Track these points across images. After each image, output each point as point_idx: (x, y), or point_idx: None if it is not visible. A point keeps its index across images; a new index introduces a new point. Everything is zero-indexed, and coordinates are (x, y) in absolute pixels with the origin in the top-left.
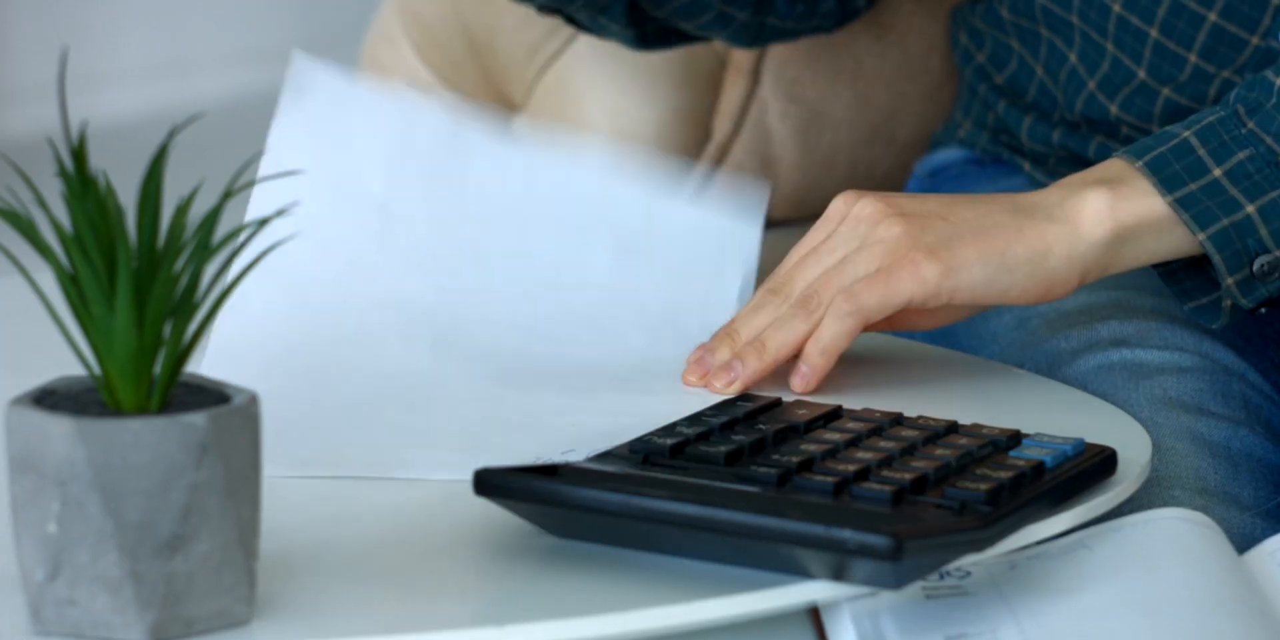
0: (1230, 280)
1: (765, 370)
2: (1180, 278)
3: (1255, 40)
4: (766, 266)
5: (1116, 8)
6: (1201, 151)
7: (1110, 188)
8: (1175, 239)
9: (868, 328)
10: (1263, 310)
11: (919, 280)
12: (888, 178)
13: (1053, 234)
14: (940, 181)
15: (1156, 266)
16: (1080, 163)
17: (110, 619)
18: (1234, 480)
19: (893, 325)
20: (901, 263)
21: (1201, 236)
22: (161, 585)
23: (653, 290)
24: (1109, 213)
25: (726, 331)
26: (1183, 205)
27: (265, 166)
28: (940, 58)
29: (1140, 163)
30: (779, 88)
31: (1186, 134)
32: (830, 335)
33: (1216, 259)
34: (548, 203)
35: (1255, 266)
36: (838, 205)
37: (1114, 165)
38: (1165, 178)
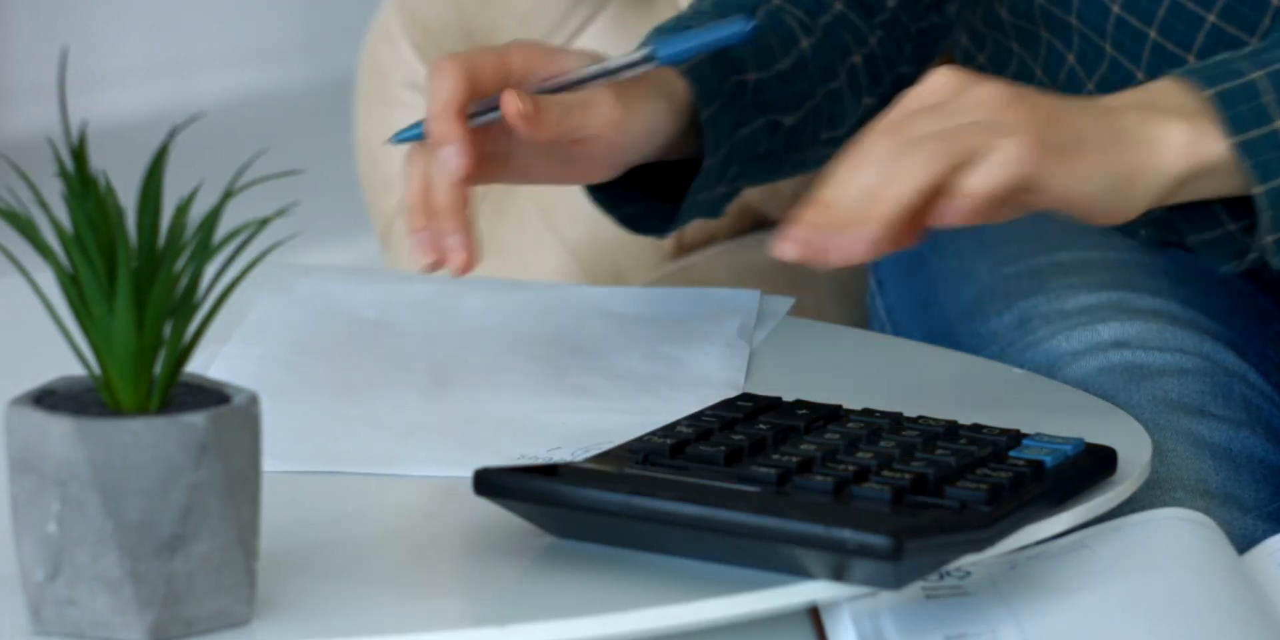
0: (1270, 239)
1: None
2: (1186, 209)
3: (1254, 41)
4: None
5: (1115, 8)
6: (1269, 97)
7: (1189, 121)
8: (1228, 184)
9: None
10: None
11: (1046, 175)
12: None
13: (1140, 161)
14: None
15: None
16: None
17: (110, 619)
18: (1235, 482)
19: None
20: (1032, 154)
21: (1259, 190)
22: (161, 585)
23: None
24: (1189, 149)
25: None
26: (1247, 152)
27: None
28: (941, 58)
29: (1211, 92)
30: None
31: (1256, 76)
32: (993, 178)
33: (1266, 216)
34: (541, 313)
35: None
36: (943, 81)
37: (1178, 91)
38: (1233, 117)
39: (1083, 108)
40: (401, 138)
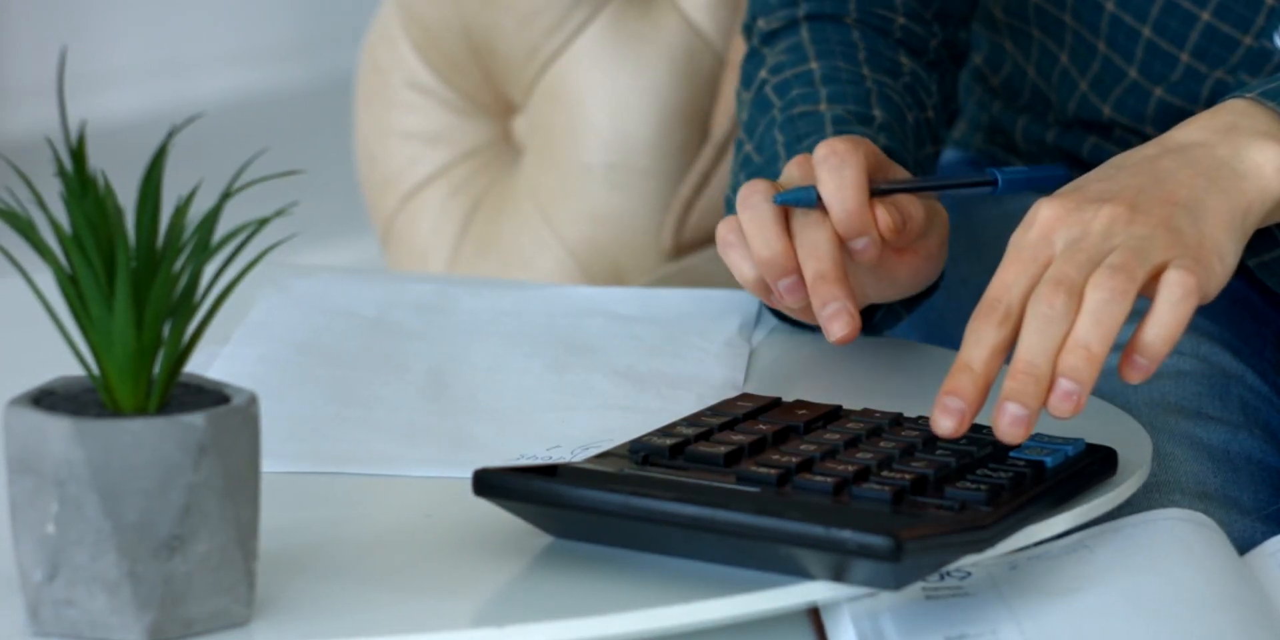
0: None
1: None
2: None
3: (1248, 40)
4: None
5: (1110, 6)
6: None
7: (1278, 142)
8: None
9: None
10: None
11: (1223, 264)
12: None
13: (1250, 192)
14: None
15: None
16: (1075, 163)
17: (108, 620)
18: (1234, 484)
19: None
20: (1198, 253)
21: None
22: (160, 586)
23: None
24: None
25: (982, 377)
26: None
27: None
28: None
29: None
30: None
31: None
32: (1175, 319)
33: None
34: (541, 314)
35: None
36: (1055, 213)
37: (1256, 112)
38: None
39: (1174, 169)
40: (787, 200)
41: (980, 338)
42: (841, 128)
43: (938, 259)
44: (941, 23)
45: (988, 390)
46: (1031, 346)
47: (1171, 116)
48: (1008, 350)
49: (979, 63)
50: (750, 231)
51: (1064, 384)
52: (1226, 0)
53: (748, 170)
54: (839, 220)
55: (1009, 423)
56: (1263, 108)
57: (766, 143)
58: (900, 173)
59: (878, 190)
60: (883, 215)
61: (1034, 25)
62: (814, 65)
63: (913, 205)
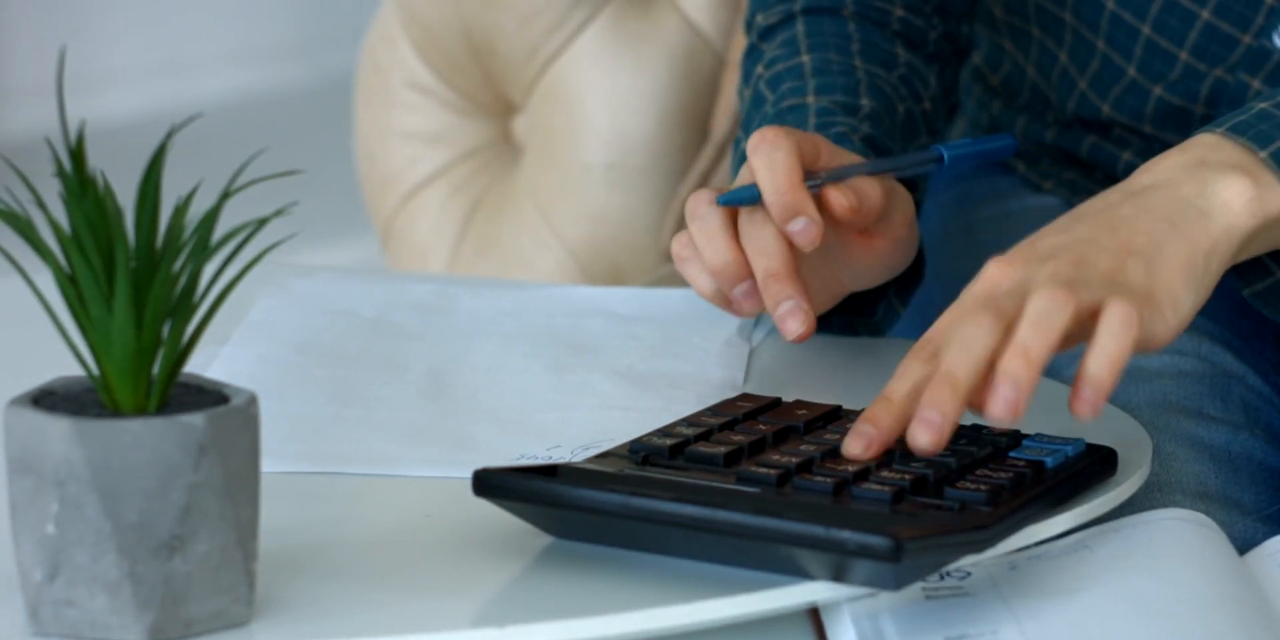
0: None
1: (1028, 389)
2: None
3: (1247, 39)
4: None
5: (1110, 4)
6: None
7: (1248, 176)
8: None
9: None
10: None
11: (1164, 322)
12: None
13: (1215, 231)
14: (936, 181)
15: None
16: (1073, 162)
17: (108, 620)
18: (1235, 484)
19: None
20: (1141, 308)
21: None
22: (160, 586)
23: (650, 331)
24: (1259, 204)
25: (900, 407)
26: None
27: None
28: None
29: (1265, 153)
30: None
31: None
32: (1118, 347)
33: None
34: (541, 314)
35: None
36: (1000, 271)
37: (1224, 146)
38: None
39: (1135, 211)
40: (729, 200)
41: (906, 372)
42: (825, 118)
43: (907, 242)
44: (942, 16)
45: (905, 422)
46: (950, 359)
47: (1170, 115)
48: None
49: (978, 62)
50: (700, 243)
51: (1003, 390)
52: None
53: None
54: (771, 203)
55: (921, 427)
56: (1232, 142)
57: None
58: (853, 159)
59: (826, 177)
60: (837, 197)
61: (1034, 23)
62: (805, 58)
63: (869, 187)
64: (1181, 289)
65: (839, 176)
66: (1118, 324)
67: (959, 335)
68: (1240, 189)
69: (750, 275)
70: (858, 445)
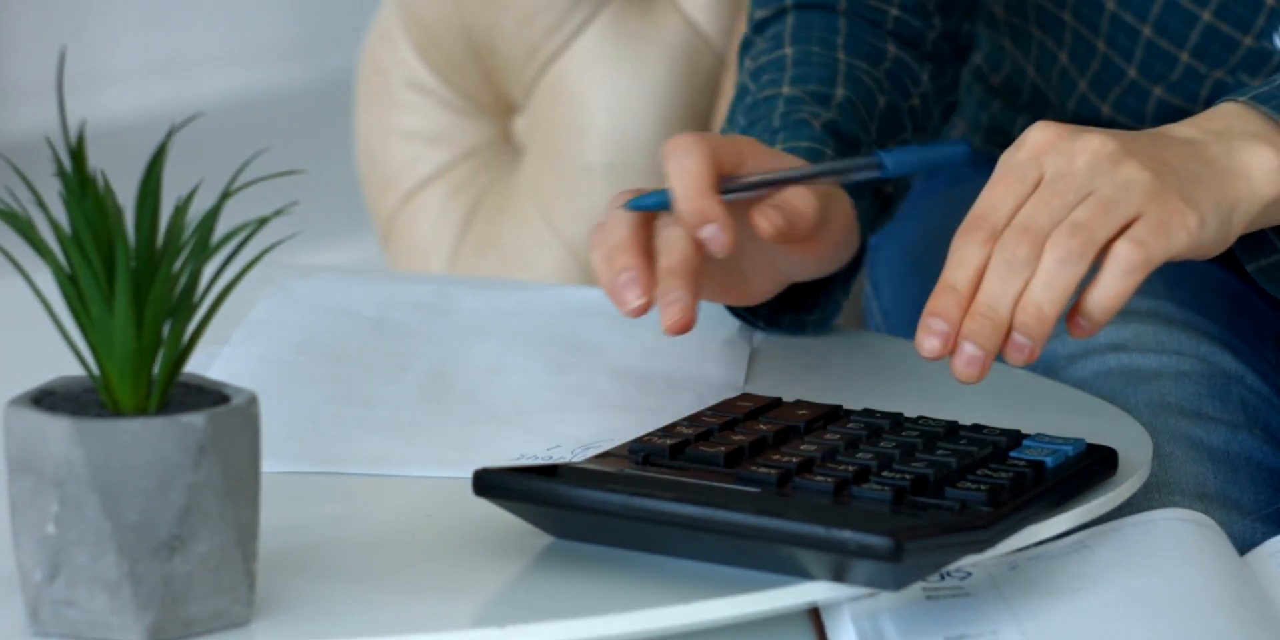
0: None
1: (1045, 336)
2: (1241, 238)
3: (1248, 40)
4: None
5: (1110, 5)
6: None
7: (1271, 146)
8: None
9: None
10: None
11: (1188, 230)
12: None
13: (1240, 188)
14: (936, 181)
15: None
16: None
17: (108, 620)
18: (1234, 485)
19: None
20: (1169, 210)
21: None
22: (160, 586)
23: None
24: (1278, 174)
25: (967, 297)
26: None
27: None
28: None
29: None
30: None
31: None
32: (1118, 292)
33: None
34: (541, 314)
35: None
36: (1047, 137)
37: (1249, 116)
38: None
39: (1170, 142)
40: (639, 205)
41: (965, 257)
42: (793, 107)
43: (845, 244)
44: (944, 14)
45: (968, 309)
46: (991, 290)
47: (1170, 116)
48: None
49: (979, 62)
50: (601, 236)
51: (1017, 338)
52: (1227, 0)
53: None
54: (679, 210)
55: (965, 363)
56: (1256, 111)
57: (735, 131)
58: (790, 161)
59: (746, 184)
60: (762, 222)
61: (1034, 24)
62: (789, 50)
63: (800, 199)
64: (1210, 212)
65: (762, 184)
66: (1122, 267)
67: (998, 262)
68: (1265, 157)
69: (633, 267)
70: (934, 342)
